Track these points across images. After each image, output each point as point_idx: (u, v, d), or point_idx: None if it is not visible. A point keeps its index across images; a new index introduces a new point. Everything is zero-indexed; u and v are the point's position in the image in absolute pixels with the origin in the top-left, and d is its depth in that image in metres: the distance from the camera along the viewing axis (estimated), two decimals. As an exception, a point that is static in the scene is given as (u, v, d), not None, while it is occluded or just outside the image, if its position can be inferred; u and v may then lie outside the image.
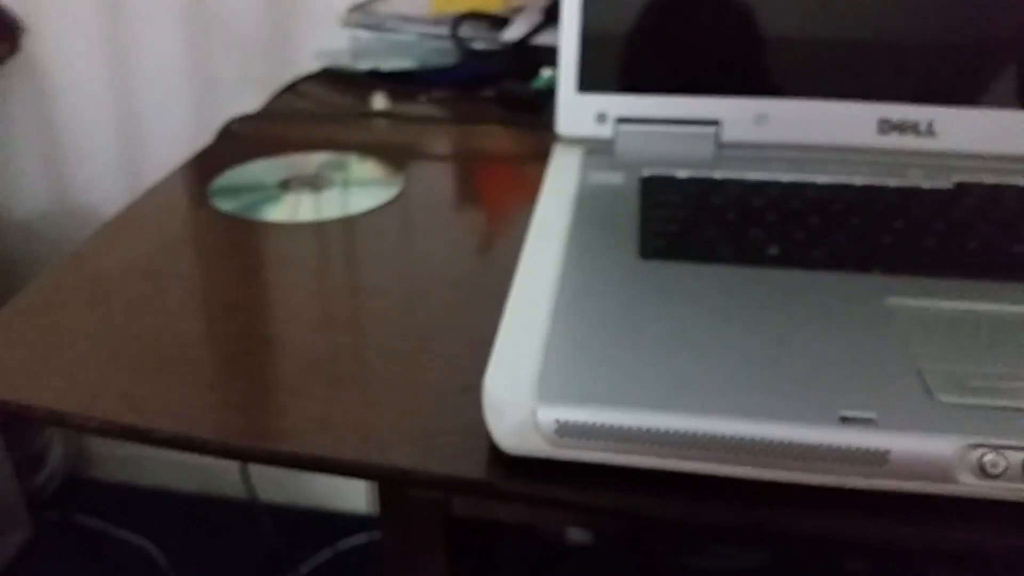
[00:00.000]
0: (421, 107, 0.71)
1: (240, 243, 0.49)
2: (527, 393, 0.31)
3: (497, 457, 0.32)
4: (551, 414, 0.30)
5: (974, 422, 0.30)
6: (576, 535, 1.21)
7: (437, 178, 0.57)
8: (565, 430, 0.30)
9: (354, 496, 1.34)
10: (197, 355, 0.39)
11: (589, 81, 0.53)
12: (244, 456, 0.33)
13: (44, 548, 1.29)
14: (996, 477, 0.29)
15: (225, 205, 0.53)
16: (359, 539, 1.28)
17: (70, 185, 1.16)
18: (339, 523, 1.32)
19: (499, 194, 0.55)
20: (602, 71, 0.53)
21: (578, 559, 1.19)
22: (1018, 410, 0.31)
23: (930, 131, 0.51)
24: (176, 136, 1.08)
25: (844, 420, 0.30)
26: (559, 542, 1.21)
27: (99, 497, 1.38)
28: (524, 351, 0.33)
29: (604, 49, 0.53)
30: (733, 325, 0.35)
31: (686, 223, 0.44)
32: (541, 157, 0.58)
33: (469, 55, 0.79)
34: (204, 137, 0.82)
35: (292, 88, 0.76)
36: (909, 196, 0.47)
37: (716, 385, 0.31)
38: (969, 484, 0.29)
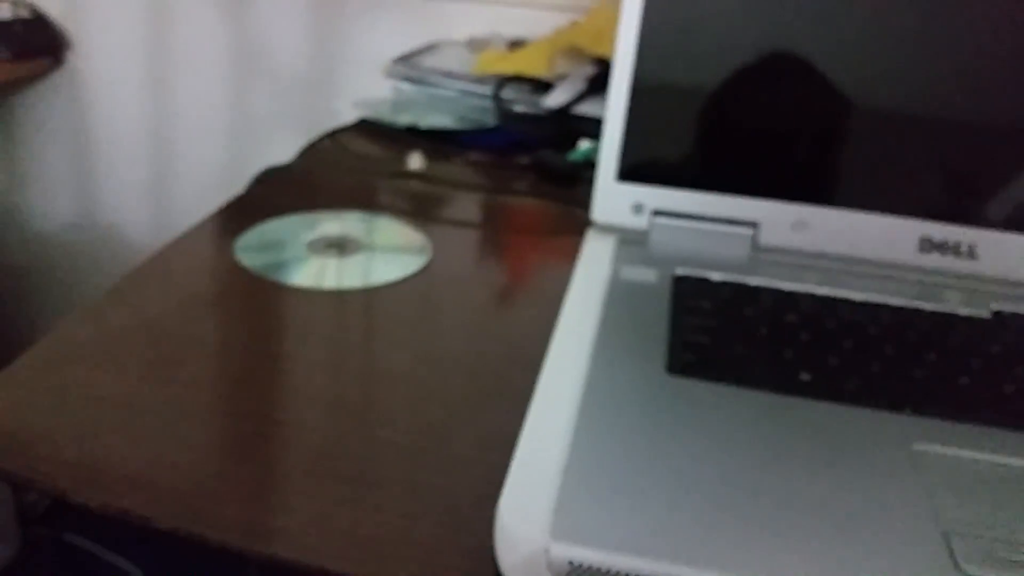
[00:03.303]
0: (456, 169, 0.71)
1: (262, 308, 0.48)
2: (541, 526, 0.30)
3: (503, 586, 0.31)
4: (564, 553, 0.29)
5: (1003, 601, 0.29)
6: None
7: (466, 250, 0.57)
8: (578, 571, 0.29)
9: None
10: (206, 435, 0.38)
11: (628, 171, 0.53)
12: (242, 556, 0.32)
13: (31, 564, 1.28)
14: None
15: (250, 262, 0.53)
16: None
17: (98, 202, 1.16)
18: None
19: (527, 273, 0.55)
20: (642, 162, 0.53)
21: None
22: (1049, 590, 0.29)
23: (971, 254, 0.50)
24: (209, 166, 1.08)
25: (867, 588, 0.28)
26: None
27: (90, 517, 1.36)
28: (541, 477, 0.32)
29: (646, 140, 0.52)
30: (757, 464, 0.34)
31: (717, 335, 0.43)
32: (573, 233, 0.57)
33: (509, 117, 0.79)
34: (236, 171, 0.82)
35: (329, 138, 0.76)
36: (945, 324, 0.45)
37: (736, 538, 0.30)
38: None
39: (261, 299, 0.49)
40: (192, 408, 0.40)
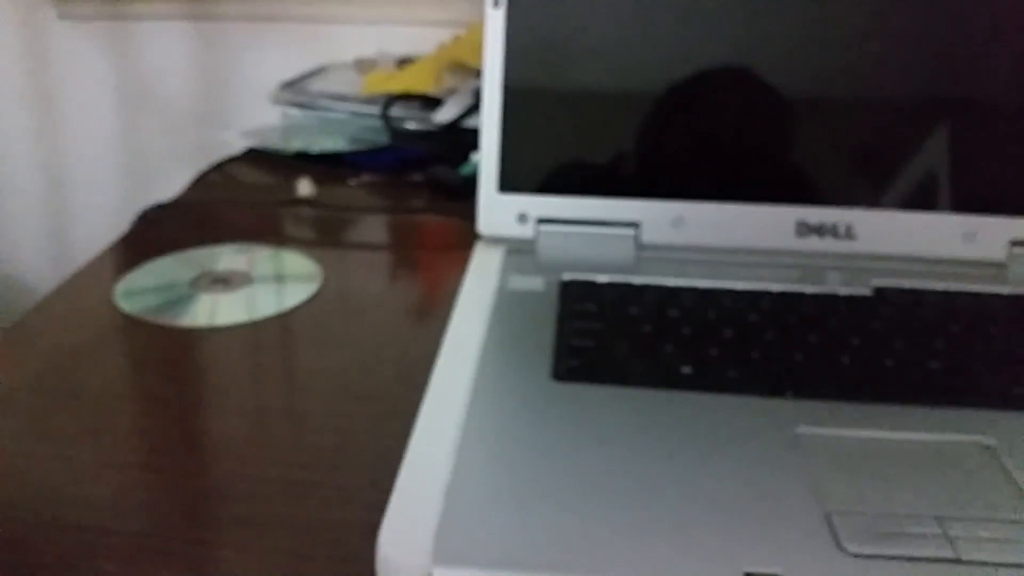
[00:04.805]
0: (348, 192, 0.70)
1: (146, 352, 0.47)
2: (422, 552, 0.29)
3: (392, 615, 0.31)
4: (445, 576, 0.29)
5: (884, 575, 0.29)
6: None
7: (358, 273, 0.56)
8: (459, 594, 0.29)
9: None
10: (89, 489, 0.37)
11: (510, 181, 0.53)
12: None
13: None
14: (902, 637, 0.28)
15: (133, 307, 0.51)
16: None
17: (-6, 255, 1.13)
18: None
19: (421, 290, 0.54)
20: (523, 171, 0.53)
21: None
22: (927, 560, 0.30)
23: (849, 234, 0.51)
24: (104, 206, 1.06)
25: (748, 577, 0.29)
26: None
27: None
28: (423, 500, 0.32)
29: (525, 149, 0.52)
30: (640, 464, 0.34)
31: (601, 337, 0.43)
32: (467, 247, 0.57)
33: (400, 135, 0.79)
34: (132, 209, 0.79)
35: (217, 169, 0.75)
36: (826, 304, 0.46)
37: (621, 541, 0.30)
38: (875, 645, 0.28)
39: (146, 343, 0.48)
40: (74, 464, 0.38)
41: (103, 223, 1.04)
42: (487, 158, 0.52)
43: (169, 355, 0.47)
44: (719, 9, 0.50)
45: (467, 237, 0.59)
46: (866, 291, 0.48)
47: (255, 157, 0.77)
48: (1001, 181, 0.52)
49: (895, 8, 0.50)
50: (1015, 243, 0.51)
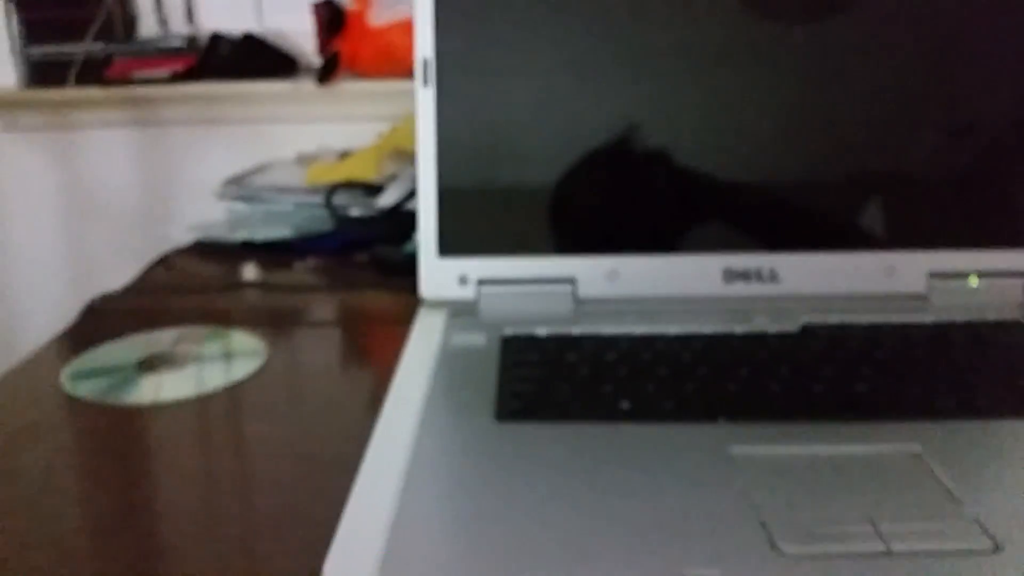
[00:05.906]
0: (294, 275, 0.71)
1: (92, 431, 0.47)
2: (367, 579, 0.30)
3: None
4: (391, 600, 0.29)
5: (819, 571, 0.30)
6: None
7: (303, 347, 0.57)
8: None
9: None
10: (35, 558, 0.36)
11: (449, 245, 0.55)
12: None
13: None
14: (839, 627, 0.29)
15: (80, 391, 0.51)
16: None
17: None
18: None
19: (367, 358, 0.55)
20: (461, 235, 0.55)
21: None
22: (859, 555, 0.31)
23: (773, 277, 0.54)
24: (51, 310, 1.05)
25: (687, 580, 0.30)
26: None
27: None
28: (368, 535, 0.32)
29: (462, 214, 0.55)
30: (582, 488, 0.35)
31: (541, 382, 0.44)
32: (412, 318, 0.58)
33: (344, 222, 0.81)
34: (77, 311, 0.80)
35: (163, 262, 0.76)
36: (755, 342, 0.48)
37: (564, 557, 0.31)
38: (814, 636, 0.29)
39: (91, 424, 0.48)
40: (15, 536, 0.38)
41: (50, 325, 1.04)
42: (425, 224, 0.54)
43: (115, 433, 0.47)
44: (644, 77, 0.54)
45: (412, 309, 0.61)
46: (793, 328, 0.50)
47: (201, 249, 0.78)
48: (917, 217, 0.55)
49: (810, 67, 0.54)
50: (934, 275, 0.54)
